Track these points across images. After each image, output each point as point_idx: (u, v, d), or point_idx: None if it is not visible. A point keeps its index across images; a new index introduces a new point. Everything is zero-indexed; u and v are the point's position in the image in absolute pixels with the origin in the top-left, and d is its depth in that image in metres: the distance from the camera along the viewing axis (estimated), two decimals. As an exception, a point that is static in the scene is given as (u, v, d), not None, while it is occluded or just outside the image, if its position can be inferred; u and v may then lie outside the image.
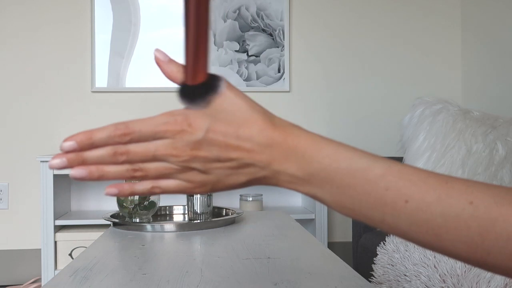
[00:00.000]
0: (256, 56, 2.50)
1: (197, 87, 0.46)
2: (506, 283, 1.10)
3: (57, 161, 0.45)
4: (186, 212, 1.44)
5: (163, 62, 0.48)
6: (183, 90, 0.46)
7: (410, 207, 0.42)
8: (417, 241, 0.43)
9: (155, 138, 0.45)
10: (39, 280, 2.30)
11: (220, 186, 0.47)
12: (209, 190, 0.48)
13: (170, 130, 0.45)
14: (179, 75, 0.48)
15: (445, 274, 1.18)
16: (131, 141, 0.46)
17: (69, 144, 0.45)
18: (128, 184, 0.48)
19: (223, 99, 0.46)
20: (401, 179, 0.42)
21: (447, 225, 0.40)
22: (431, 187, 0.41)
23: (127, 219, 1.32)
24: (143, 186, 0.48)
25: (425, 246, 0.43)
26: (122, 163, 0.46)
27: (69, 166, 0.45)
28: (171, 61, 0.48)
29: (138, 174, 0.46)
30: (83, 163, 0.45)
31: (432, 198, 0.41)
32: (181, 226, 1.21)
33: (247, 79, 2.49)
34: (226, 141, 0.45)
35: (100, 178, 0.46)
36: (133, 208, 1.30)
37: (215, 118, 0.45)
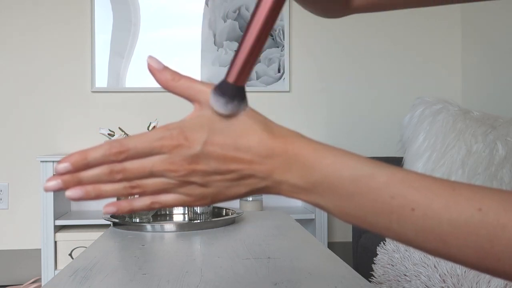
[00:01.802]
0: (256, 56, 2.50)
1: (238, 88, 0.44)
2: (506, 283, 1.10)
3: (52, 183, 0.44)
4: (186, 212, 1.44)
5: (156, 70, 0.47)
6: (222, 86, 0.44)
7: (417, 215, 0.41)
8: (423, 249, 0.42)
9: (152, 154, 0.44)
10: (39, 280, 2.30)
11: (220, 198, 0.46)
12: (209, 202, 0.46)
13: (166, 145, 0.43)
14: (173, 83, 0.47)
15: (445, 274, 1.18)
16: (127, 159, 0.44)
17: (64, 166, 0.44)
18: (126, 201, 0.47)
19: None
20: (406, 186, 0.41)
21: (455, 232, 0.40)
22: (437, 194, 0.41)
23: (127, 219, 1.32)
24: (142, 202, 0.46)
25: (432, 253, 0.42)
26: (119, 181, 0.45)
27: (65, 187, 0.44)
28: (165, 68, 0.47)
29: (136, 191, 0.45)
30: (79, 183, 0.44)
31: (439, 205, 0.40)
32: (181, 226, 1.21)
33: (247, 79, 2.49)
34: (225, 153, 0.44)
35: (98, 197, 0.45)
36: (133, 208, 1.30)
37: (212, 129, 0.44)
